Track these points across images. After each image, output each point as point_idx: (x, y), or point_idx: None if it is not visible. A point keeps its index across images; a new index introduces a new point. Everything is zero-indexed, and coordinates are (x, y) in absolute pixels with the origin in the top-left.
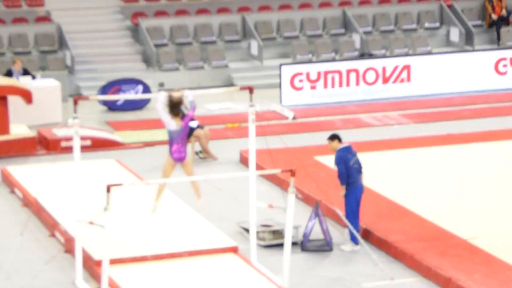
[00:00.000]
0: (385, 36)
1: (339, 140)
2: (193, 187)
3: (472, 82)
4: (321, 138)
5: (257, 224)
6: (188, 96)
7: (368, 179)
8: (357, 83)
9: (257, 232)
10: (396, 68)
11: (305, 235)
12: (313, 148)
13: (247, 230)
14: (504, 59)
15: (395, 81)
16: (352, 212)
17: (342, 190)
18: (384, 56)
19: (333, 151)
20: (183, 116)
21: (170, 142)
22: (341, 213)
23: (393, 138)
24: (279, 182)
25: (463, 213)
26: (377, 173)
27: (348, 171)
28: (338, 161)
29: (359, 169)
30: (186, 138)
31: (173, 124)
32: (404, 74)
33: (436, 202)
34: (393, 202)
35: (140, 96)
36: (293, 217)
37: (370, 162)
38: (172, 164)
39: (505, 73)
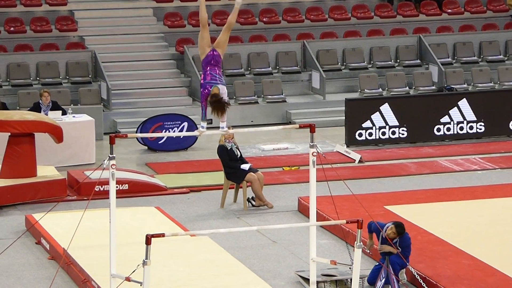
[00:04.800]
0: (467, 68)
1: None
2: None
3: None
4: (392, 184)
5: (318, 274)
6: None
7: (449, 233)
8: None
9: (318, 283)
10: None
11: None
12: (383, 195)
13: (306, 280)
14: None
15: None
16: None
17: (388, 248)
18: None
19: (392, 236)
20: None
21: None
22: (415, 272)
23: (475, 186)
24: (344, 235)
25: None
26: (458, 226)
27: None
28: (410, 242)
29: None
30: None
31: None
32: None
33: None
34: (476, 259)
35: (185, 133)
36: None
37: (450, 212)
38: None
39: None
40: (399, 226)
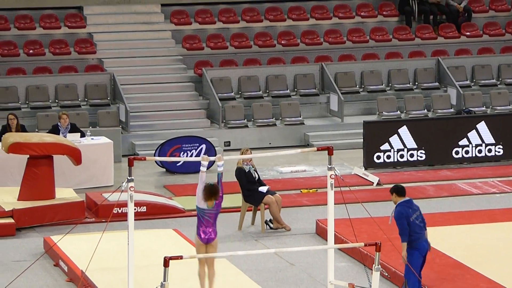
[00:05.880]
0: (485, 90)
1: (398, 193)
2: (208, 276)
3: None
4: None
5: None
6: (219, 167)
7: (467, 256)
8: None
9: None
10: None
11: None
12: None
13: None
14: None
15: None
16: (414, 272)
17: (403, 251)
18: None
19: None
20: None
21: (199, 221)
22: None
23: (494, 209)
24: (362, 257)
25: None
26: (476, 249)
27: (410, 227)
28: (398, 216)
29: (422, 225)
30: (216, 218)
31: (204, 203)
32: None
33: None
34: (495, 283)
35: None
36: None
37: (468, 235)
38: (202, 244)
39: None
40: (392, 188)
